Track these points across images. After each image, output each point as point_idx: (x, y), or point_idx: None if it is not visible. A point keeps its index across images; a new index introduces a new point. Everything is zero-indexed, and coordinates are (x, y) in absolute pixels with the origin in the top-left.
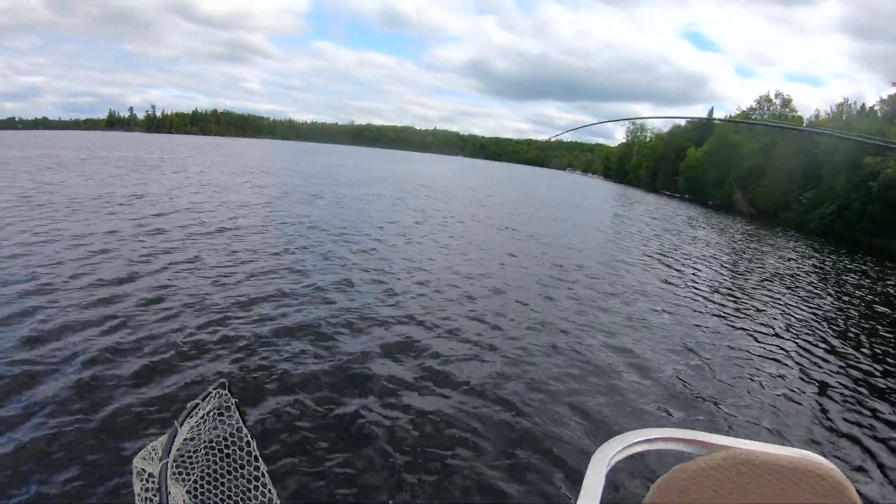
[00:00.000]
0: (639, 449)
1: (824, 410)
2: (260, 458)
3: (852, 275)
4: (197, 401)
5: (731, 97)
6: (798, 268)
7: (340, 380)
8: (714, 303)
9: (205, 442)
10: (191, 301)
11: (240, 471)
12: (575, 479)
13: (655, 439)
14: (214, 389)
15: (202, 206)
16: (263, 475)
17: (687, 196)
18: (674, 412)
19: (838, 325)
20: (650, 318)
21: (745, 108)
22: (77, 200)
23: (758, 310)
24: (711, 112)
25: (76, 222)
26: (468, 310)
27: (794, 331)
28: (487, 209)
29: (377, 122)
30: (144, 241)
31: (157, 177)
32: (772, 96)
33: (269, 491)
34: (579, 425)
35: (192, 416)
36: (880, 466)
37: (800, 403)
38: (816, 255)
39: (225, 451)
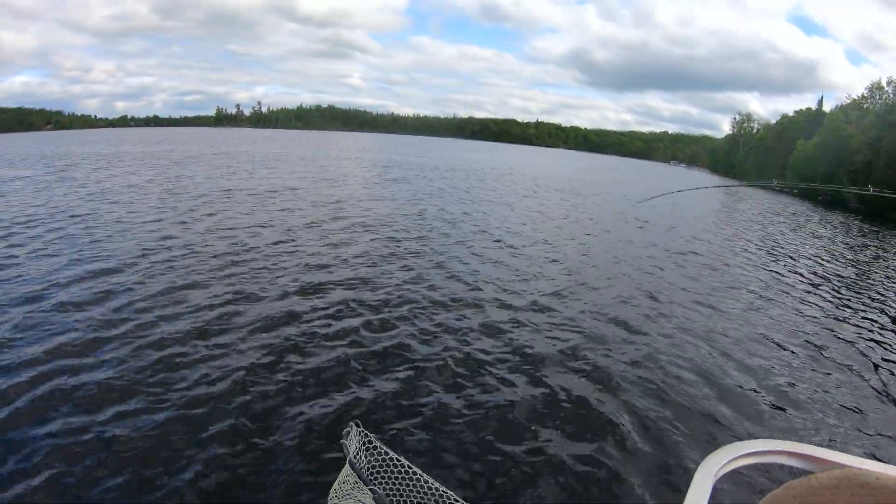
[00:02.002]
0: (746, 462)
1: None
2: (423, 473)
3: None
4: (343, 440)
5: (842, 84)
6: None
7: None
8: (835, 305)
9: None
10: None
11: (417, 486)
12: (676, 490)
13: (764, 452)
14: (352, 429)
15: (350, 199)
16: (437, 487)
17: (796, 191)
18: (784, 421)
19: None
20: (764, 316)
21: (855, 97)
22: (233, 192)
23: (884, 314)
24: (821, 101)
25: (245, 214)
26: (591, 301)
27: None
28: (603, 199)
29: (479, 114)
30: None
31: (291, 170)
32: (884, 83)
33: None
34: (683, 432)
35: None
36: None
37: None
38: None
39: (390, 476)
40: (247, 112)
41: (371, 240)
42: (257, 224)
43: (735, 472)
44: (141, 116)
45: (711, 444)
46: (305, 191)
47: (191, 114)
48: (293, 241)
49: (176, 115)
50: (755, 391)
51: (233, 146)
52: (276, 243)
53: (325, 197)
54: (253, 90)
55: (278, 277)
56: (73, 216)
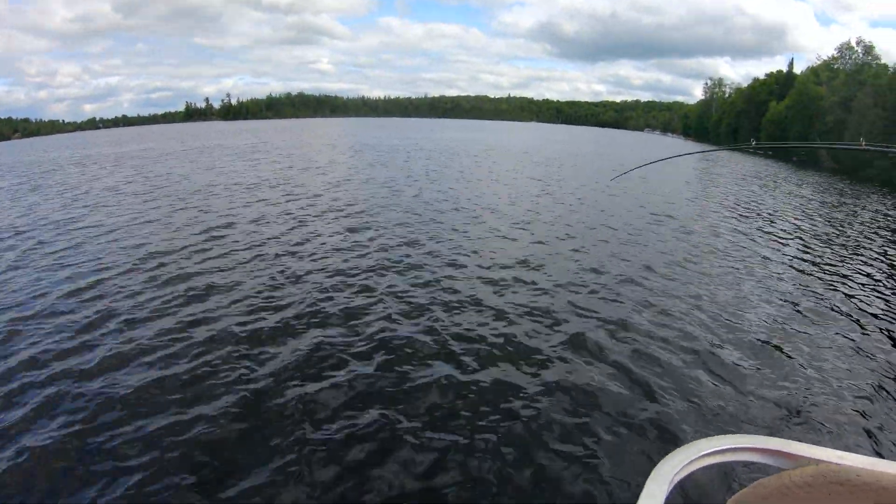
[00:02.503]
0: (709, 462)
1: None
2: None
3: None
4: None
5: (812, 47)
6: None
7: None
8: (817, 263)
9: None
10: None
11: None
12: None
13: (729, 449)
14: None
15: (333, 189)
16: None
17: (770, 152)
18: (753, 414)
19: None
20: (747, 279)
21: (825, 58)
22: (214, 187)
23: (857, 280)
24: (792, 63)
25: (229, 209)
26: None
27: None
28: (578, 170)
29: (450, 93)
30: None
31: (269, 161)
32: (853, 44)
33: None
34: (635, 429)
35: None
36: None
37: None
38: None
39: None
40: (216, 105)
41: (362, 230)
42: (243, 220)
43: (696, 474)
44: (109, 117)
45: (662, 445)
46: (288, 182)
47: (160, 111)
48: (281, 235)
49: (145, 113)
50: (715, 381)
51: (206, 141)
52: (262, 240)
53: (308, 188)
54: (221, 83)
55: (262, 285)
56: (54, 224)
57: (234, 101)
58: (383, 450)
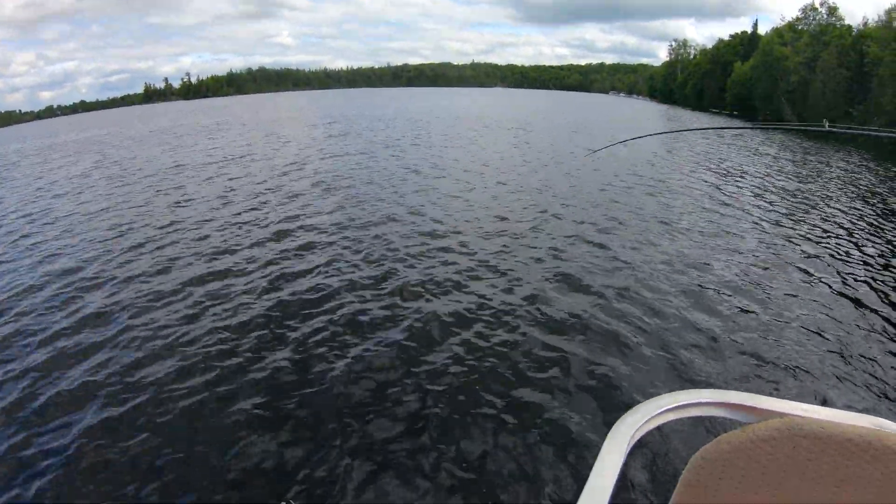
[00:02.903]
0: (670, 418)
1: None
2: None
3: None
4: None
5: (776, 8)
6: (863, 187)
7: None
8: (771, 227)
9: None
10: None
11: None
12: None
13: (692, 404)
14: None
15: (302, 163)
16: None
17: (735, 112)
18: (715, 368)
19: None
20: (702, 245)
21: (789, 19)
22: (183, 167)
23: (824, 235)
24: (756, 24)
25: (200, 187)
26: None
27: (870, 262)
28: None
29: (414, 60)
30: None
31: (236, 138)
32: (817, 5)
33: None
34: (600, 386)
35: None
36: None
37: (877, 358)
38: (878, 170)
39: None
40: (176, 84)
41: (334, 201)
42: (215, 198)
43: (657, 430)
44: (68, 104)
45: (620, 403)
46: (256, 157)
47: (118, 94)
48: (255, 209)
49: (103, 97)
50: (679, 336)
51: (168, 121)
52: (236, 215)
53: (280, 163)
54: (179, 61)
55: (238, 264)
56: (25, 216)
57: (193, 80)
58: (378, 436)
